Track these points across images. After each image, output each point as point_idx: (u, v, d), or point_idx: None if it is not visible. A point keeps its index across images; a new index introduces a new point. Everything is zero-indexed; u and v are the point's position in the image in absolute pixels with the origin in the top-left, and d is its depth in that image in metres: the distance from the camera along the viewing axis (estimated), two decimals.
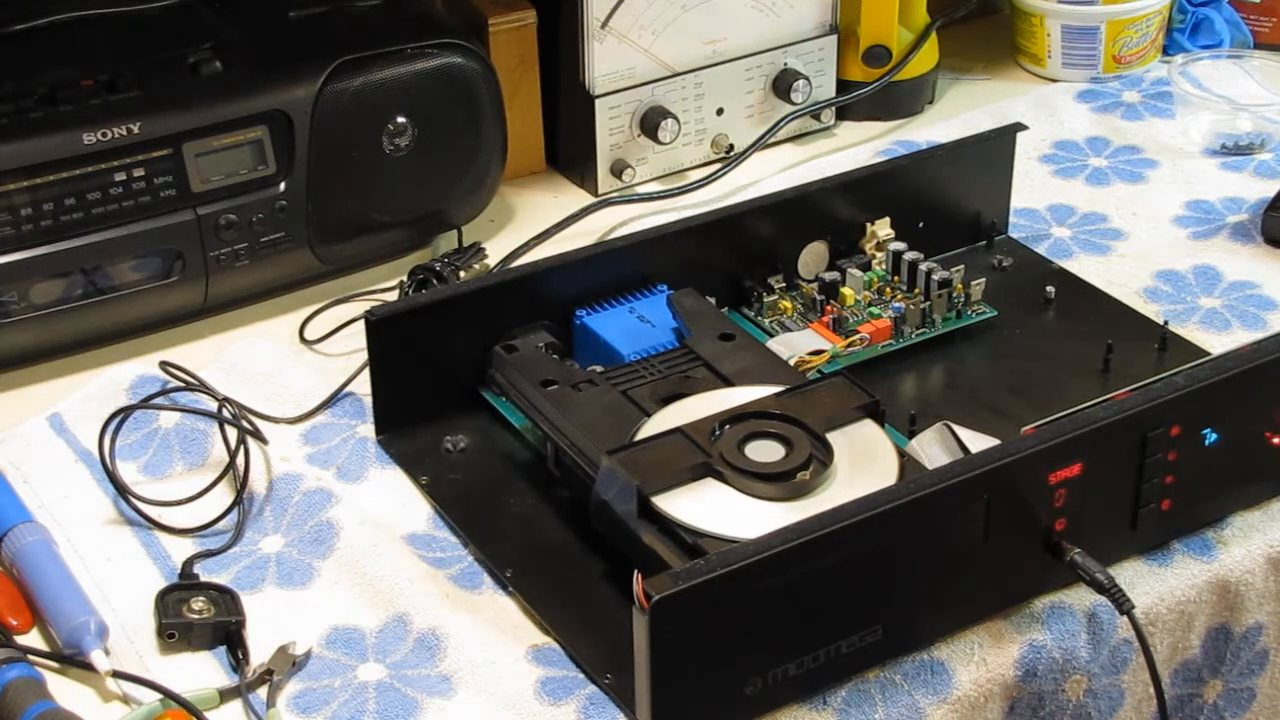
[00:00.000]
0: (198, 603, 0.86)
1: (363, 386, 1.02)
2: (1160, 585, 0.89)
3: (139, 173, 1.04)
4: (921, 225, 1.12)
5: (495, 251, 1.17)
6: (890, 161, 1.15)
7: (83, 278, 1.04)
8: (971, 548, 0.83)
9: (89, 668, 0.83)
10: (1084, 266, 1.15)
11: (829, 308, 1.05)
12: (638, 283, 1.03)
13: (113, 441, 0.95)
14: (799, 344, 1.02)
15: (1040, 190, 1.25)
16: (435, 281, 1.11)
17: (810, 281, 1.08)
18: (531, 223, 1.21)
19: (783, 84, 1.29)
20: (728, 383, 0.95)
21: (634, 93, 1.24)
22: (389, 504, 0.95)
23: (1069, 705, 0.88)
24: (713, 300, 1.04)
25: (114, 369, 1.05)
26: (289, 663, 0.84)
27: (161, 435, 1.00)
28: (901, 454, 0.88)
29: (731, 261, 1.07)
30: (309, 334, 1.10)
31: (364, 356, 0.99)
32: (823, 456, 0.86)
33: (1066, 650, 0.86)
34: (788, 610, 0.78)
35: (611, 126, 1.24)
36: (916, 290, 1.07)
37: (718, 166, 1.27)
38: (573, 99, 1.24)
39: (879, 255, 1.09)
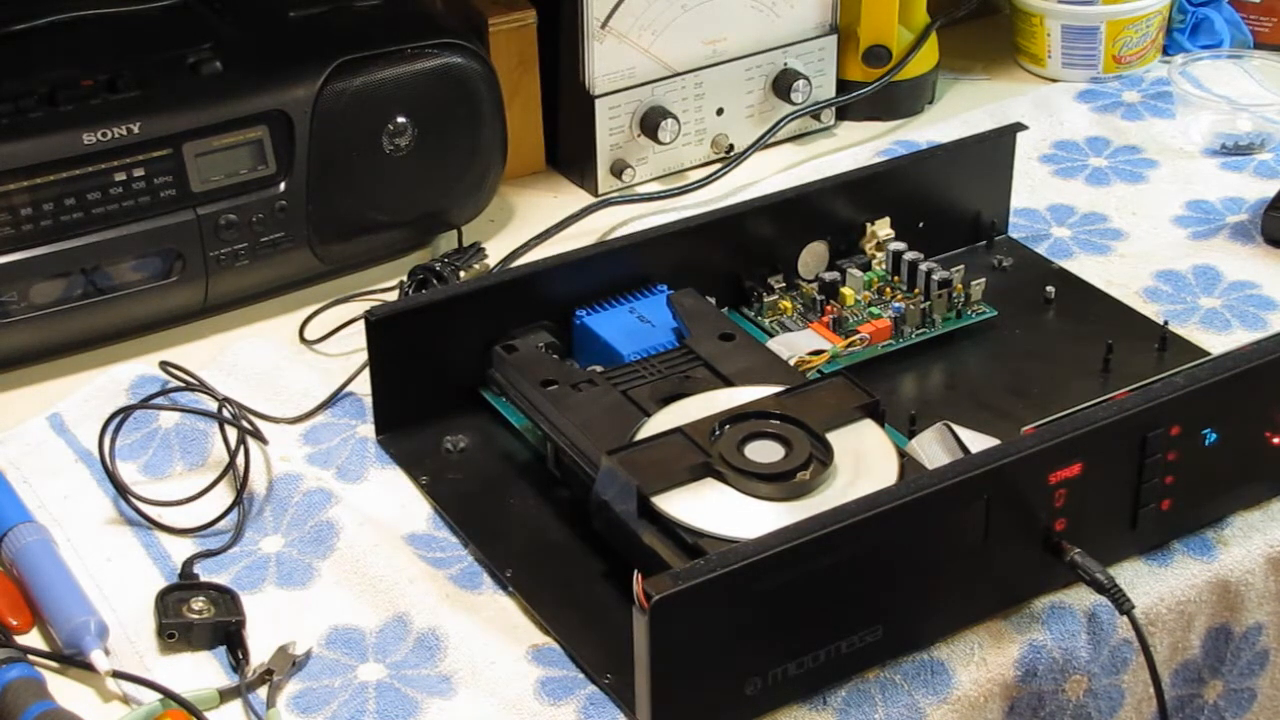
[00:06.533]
0: (198, 603, 0.86)
1: (363, 386, 1.02)
2: (1160, 585, 0.89)
3: (139, 173, 1.04)
4: (921, 225, 1.12)
5: (495, 251, 1.17)
6: (890, 161, 1.15)
7: (83, 278, 1.04)
8: (971, 548, 0.83)
9: (89, 668, 0.83)
10: (1084, 266, 1.15)
11: (829, 308, 1.05)
12: (638, 283, 1.03)
13: (113, 441, 0.95)
14: (799, 344, 1.02)
15: (1040, 190, 1.25)
16: (435, 281, 1.11)
17: (810, 281, 1.08)
18: (531, 223, 1.21)
19: (783, 84, 1.29)
20: (728, 383, 0.95)
21: (634, 93, 1.24)
22: (389, 504, 0.95)
23: (1069, 705, 0.88)
24: (713, 300, 1.04)
25: (114, 369, 1.05)
26: (289, 663, 0.84)
27: (161, 435, 1.00)
28: (901, 454, 0.88)
29: (731, 261, 1.07)
30: (309, 334, 1.10)
31: (364, 356, 0.99)
32: (823, 456, 0.86)
33: (1066, 650, 0.86)
34: (788, 610, 0.78)
35: (611, 126, 1.24)
36: (916, 290, 1.07)
37: (718, 166, 1.27)
38: (573, 99, 1.24)
39: (879, 255, 1.09)
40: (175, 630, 0.85)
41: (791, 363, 0.99)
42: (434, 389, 0.99)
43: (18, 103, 1.01)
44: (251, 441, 0.97)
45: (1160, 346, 1.05)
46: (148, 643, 0.86)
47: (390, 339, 0.97)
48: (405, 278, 1.13)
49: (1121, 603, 0.84)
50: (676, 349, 0.99)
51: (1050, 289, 1.10)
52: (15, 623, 0.86)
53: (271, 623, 0.87)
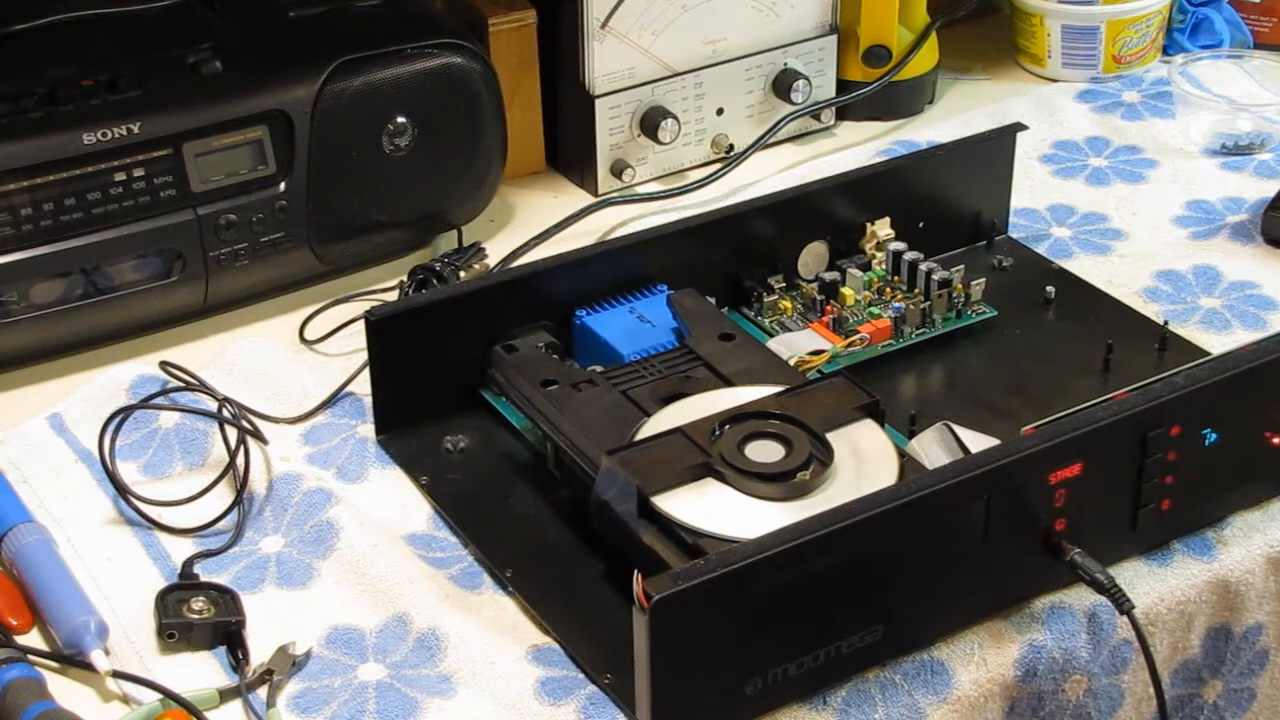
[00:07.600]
0: (198, 603, 0.86)
1: (363, 386, 1.02)
2: (1160, 585, 0.89)
3: (139, 173, 1.04)
4: (921, 225, 1.12)
5: (495, 251, 1.17)
6: (890, 161, 1.15)
7: (83, 278, 1.04)
8: (971, 548, 0.83)
9: (89, 668, 0.83)
10: (1084, 266, 1.15)
11: (829, 308, 1.05)
12: (638, 283, 1.03)
13: (113, 441, 0.95)
14: (799, 344, 1.02)
15: (1040, 190, 1.25)
16: (435, 281, 1.11)
17: (810, 281, 1.08)
18: (531, 223, 1.21)
19: (783, 84, 1.29)
20: (728, 383, 0.95)
21: (634, 93, 1.24)
22: (389, 504, 0.95)
23: (1069, 705, 0.88)
24: (713, 300, 1.04)
25: (114, 369, 1.05)
26: (289, 663, 0.84)
27: (161, 435, 1.00)
28: (901, 454, 0.88)
29: (731, 261, 1.07)
30: (309, 334, 1.10)
31: (364, 356, 0.99)
32: (823, 456, 0.86)
33: (1066, 650, 0.86)
34: (788, 610, 0.78)
35: (611, 126, 1.24)
36: (916, 290, 1.07)
37: (718, 166, 1.27)
38: (573, 99, 1.24)
39: (879, 255, 1.09)
40: (175, 630, 0.85)
41: (791, 363, 0.99)
42: (434, 389, 0.99)
43: (18, 103, 1.01)
44: (251, 441, 0.97)
45: (1160, 346, 1.05)
46: (148, 643, 0.86)
47: (390, 339, 0.97)
48: (405, 278, 1.13)
49: (1121, 603, 0.84)
50: (676, 349, 0.99)
51: (1050, 289, 1.10)
52: (15, 623, 0.86)
53: (271, 623, 0.87)
